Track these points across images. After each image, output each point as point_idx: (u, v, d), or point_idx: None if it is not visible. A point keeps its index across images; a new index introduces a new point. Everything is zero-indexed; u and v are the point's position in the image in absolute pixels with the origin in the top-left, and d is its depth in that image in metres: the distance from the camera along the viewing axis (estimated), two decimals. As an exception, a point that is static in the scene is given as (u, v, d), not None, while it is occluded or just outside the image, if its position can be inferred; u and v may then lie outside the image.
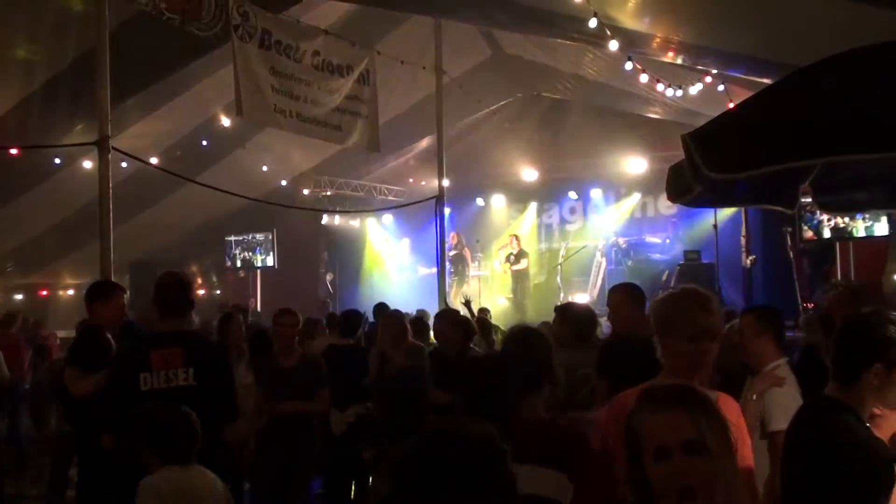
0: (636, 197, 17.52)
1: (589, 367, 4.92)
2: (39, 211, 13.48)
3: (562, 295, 15.60)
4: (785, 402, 3.69)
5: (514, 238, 17.24)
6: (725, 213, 13.90)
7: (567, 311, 5.82)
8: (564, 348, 5.33)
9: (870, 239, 11.19)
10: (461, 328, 6.17)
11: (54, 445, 6.83)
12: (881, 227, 10.98)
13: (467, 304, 9.37)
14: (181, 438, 3.42)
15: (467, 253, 17.68)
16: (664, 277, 15.07)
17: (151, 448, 3.40)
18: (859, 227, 11.18)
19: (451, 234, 17.43)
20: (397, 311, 6.76)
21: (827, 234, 11.54)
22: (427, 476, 1.57)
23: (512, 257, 17.00)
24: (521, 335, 3.24)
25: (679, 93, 11.18)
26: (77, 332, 5.33)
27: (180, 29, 7.49)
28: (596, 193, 17.87)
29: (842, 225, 11.30)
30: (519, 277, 16.93)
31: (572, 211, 18.68)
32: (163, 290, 4.22)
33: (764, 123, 3.29)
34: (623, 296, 5.00)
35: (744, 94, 9.08)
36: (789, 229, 11.82)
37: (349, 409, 6.26)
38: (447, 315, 6.54)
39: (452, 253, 17.01)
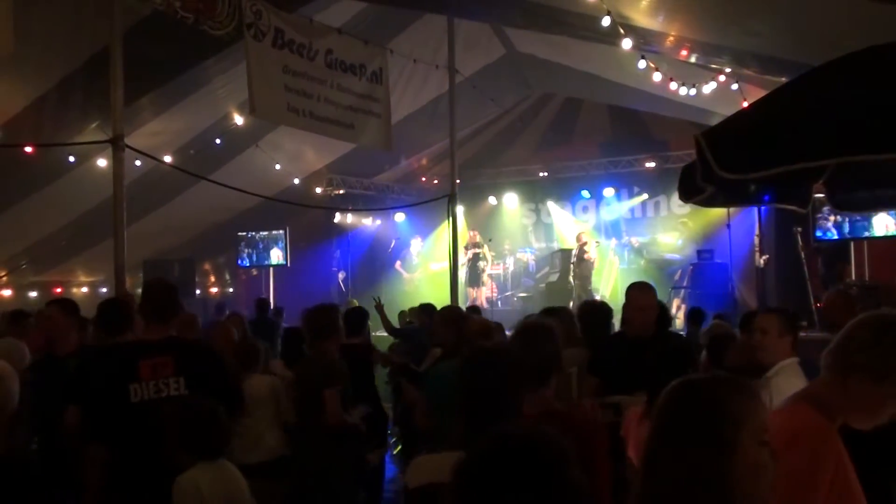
0: (649, 196, 17.48)
1: None
2: (54, 209, 13.53)
3: (574, 294, 15.57)
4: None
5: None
6: (739, 212, 13.85)
7: (558, 314, 5.76)
8: (578, 346, 5.35)
9: (885, 238, 11.11)
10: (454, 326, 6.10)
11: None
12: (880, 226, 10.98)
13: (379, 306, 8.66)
14: (212, 433, 3.43)
15: (487, 251, 17.66)
16: (677, 277, 15.05)
17: (183, 445, 3.39)
18: (872, 226, 11.14)
19: (472, 232, 17.46)
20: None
21: (841, 233, 11.48)
22: (489, 483, 1.51)
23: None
24: (525, 330, 3.27)
25: (693, 91, 11.12)
26: (99, 304, 5.30)
27: (194, 27, 7.52)
28: (608, 192, 17.84)
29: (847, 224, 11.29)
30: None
31: (585, 209, 18.65)
32: (151, 297, 4.08)
33: (777, 123, 3.28)
34: (653, 299, 4.86)
35: (758, 93, 9.05)
36: (799, 229, 11.75)
37: (356, 409, 6.24)
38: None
39: (475, 251, 17.06)
